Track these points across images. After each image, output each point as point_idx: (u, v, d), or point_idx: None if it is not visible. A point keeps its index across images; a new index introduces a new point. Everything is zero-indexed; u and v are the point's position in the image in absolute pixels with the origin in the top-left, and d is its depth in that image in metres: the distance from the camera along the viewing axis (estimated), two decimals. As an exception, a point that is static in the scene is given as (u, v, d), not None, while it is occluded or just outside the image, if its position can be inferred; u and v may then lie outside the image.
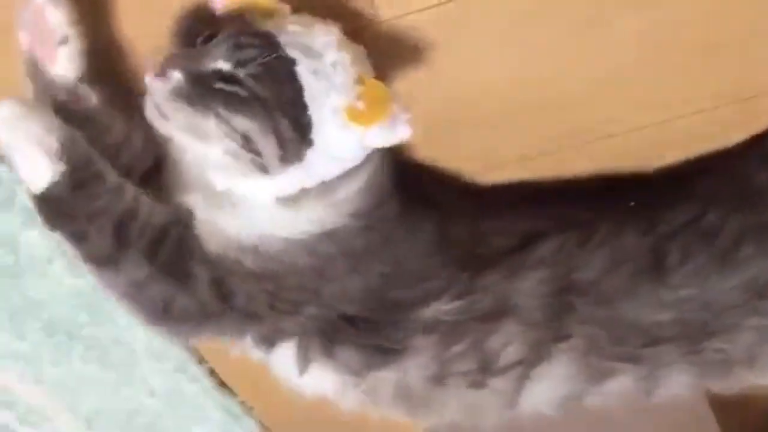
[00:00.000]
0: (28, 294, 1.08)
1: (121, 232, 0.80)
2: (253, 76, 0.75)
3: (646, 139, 0.93)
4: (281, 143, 0.76)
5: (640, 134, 0.93)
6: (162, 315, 0.84)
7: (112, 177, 0.81)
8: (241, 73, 0.75)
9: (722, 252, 0.84)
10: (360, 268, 0.85)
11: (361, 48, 0.82)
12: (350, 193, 0.83)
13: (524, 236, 0.87)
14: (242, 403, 1.29)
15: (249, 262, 0.83)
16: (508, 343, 0.84)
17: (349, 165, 0.81)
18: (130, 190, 0.82)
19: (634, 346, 0.84)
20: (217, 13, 0.80)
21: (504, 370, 0.85)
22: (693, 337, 0.84)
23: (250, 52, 0.75)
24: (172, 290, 0.83)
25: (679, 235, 0.85)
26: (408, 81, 0.87)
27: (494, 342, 0.84)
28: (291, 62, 0.76)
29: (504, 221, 0.89)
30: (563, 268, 0.85)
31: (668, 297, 0.83)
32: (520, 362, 0.84)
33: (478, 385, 0.86)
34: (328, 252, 0.83)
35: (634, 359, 0.84)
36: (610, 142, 0.94)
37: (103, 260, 0.82)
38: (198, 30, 0.79)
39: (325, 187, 0.82)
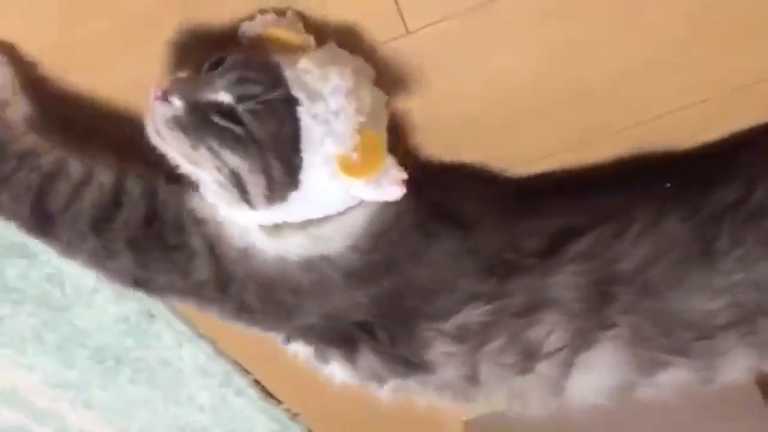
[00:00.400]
0: (75, 324, 1.09)
1: (40, 201, 0.79)
2: (252, 113, 0.74)
3: (677, 123, 0.93)
4: (269, 185, 0.76)
5: (670, 118, 0.93)
6: (135, 286, 0.84)
7: (18, 145, 0.80)
8: (240, 108, 0.74)
9: None
10: (363, 283, 0.84)
11: (381, 93, 0.81)
12: (348, 228, 0.82)
13: (556, 235, 0.86)
14: (287, 410, 1.31)
15: (237, 258, 0.83)
16: (550, 331, 0.84)
17: (333, 211, 0.81)
18: (51, 156, 0.80)
19: (686, 339, 0.84)
20: (239, 34, 0.80)
21: (548, 356, 0.85)
22: (749, 319, 0.83)
23: (253, 89, 0.74)
24: (145, 266, 0.82)
25: (726, 218, 0.84)
26: (439, 82, 0.88)
27: (535, 333, 0.85)
28: (293, 101, 0.74)
29: (533, 222, 0.88)
30: (600, 260, 0.85)
31: (721, 283, 0.83)
32: (563, 347, 0.85)
33: (524, 371, 0.86)
34: (325, 272, 0.83)
35: (686, 352, 0.84)
36: (640, 129, 0.94)
37: (32, 228, 0.81)
38: (206, 51, 0.78)
39: (308, 223, 0.81)
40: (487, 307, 0.84)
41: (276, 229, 0.82)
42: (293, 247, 0.82)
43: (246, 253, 0.83)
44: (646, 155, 0.95)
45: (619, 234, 0.86)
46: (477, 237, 0.86)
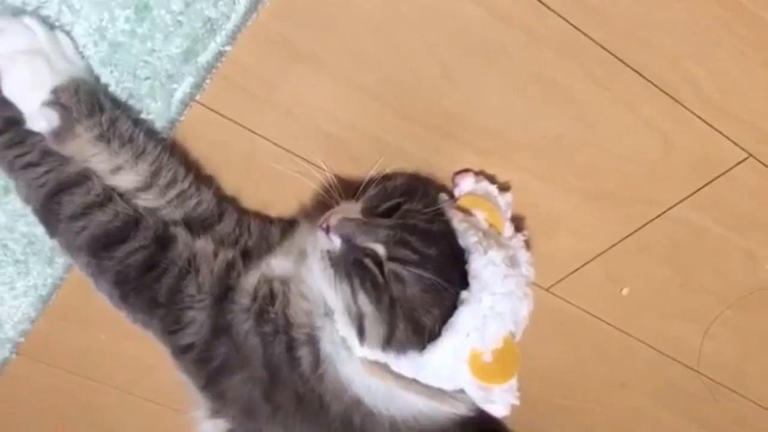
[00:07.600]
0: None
1: (53, 200, 0.80)
2: (395, 275, 0.77)
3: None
4: (389, 338, 0.78)
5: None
6: (118, 308, 0.85)
7: (45, 143, 0.80)
8: (387, 266, 0.78)
9: None
10: None
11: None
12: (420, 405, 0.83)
13: None
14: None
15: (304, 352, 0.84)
16: None
17: (436, 384, 0.80)
18: (76, 167, 0.80)
19: None
20: (456, 194, 0.87)
21: None
22: None
23: (409, 256, 0.77)
24: (126, 301, 0.84)
25: None
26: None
27: None
28: (457, 291, 0.77)
29: None
30: None
31: None
32: None
33: None
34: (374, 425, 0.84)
35: None
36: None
37: (41, 218, 0.82)
38: (393, 190, 0.84)
39: (399, 378, 0.81)
40: None
41: (381, 369, 0.82)
42: (373, 391, 0.83)
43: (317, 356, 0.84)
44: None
45: None
46: None
